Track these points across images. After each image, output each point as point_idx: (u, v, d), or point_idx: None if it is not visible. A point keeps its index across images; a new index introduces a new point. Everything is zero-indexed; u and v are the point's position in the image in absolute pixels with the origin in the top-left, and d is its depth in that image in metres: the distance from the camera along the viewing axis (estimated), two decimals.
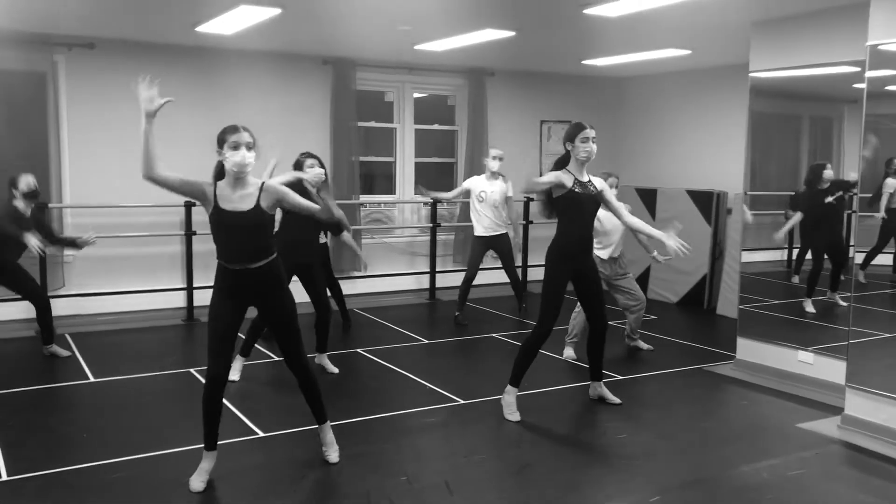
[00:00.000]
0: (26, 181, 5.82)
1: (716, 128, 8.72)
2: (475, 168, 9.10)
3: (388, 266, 8.82)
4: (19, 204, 5.80)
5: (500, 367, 6.15)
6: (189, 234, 7.48)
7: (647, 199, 8.85)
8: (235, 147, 3.63)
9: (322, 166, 5.53)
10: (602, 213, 5.17)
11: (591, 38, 6.93)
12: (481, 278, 9.13)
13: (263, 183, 3.74)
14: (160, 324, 7.28)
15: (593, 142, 4.65)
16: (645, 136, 9.74)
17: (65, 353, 6.05)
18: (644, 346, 6.50)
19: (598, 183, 4.78)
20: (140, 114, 3.54)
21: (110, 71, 7.32)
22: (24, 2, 5.59)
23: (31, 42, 6.85)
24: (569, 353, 6.22)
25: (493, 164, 7.33)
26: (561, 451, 4.38)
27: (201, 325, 7.33)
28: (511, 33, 6.55)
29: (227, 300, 3.71)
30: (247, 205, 3.65)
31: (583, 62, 8.44)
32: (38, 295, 6.03)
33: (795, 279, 6.26)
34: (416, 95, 9.12)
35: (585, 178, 4.71)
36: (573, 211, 4.66)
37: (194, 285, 7.59)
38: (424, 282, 8.97)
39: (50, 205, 6.98)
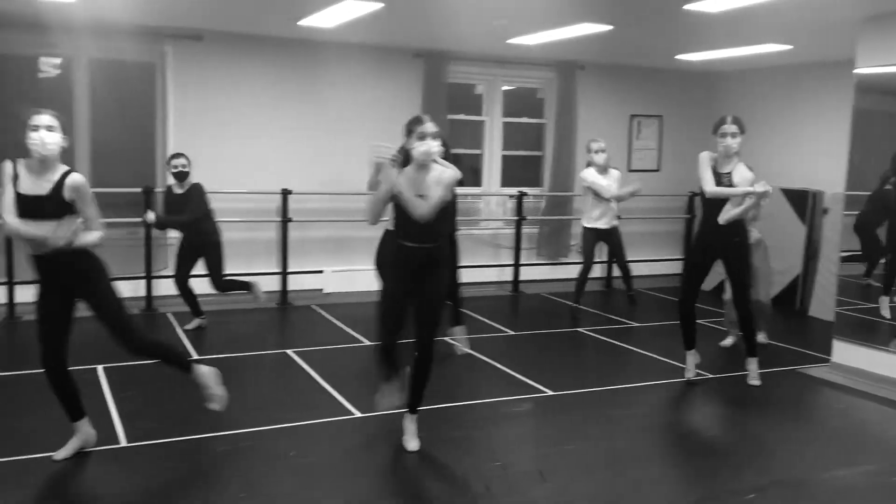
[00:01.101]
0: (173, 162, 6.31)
1: (812, 125, 8.50)
2: (562, 162, 9.12)
3: (472, 257, 8.90)
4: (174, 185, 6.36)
5: (586, 360, 6.22)
6: (285, 220, 7.75)
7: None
8: (422, 137, 3.81)
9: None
10: None
11: (687, 33, 6.86)
12: (564, 273, 9.20)
13: (446, 172, 3.93)
14: (256, 306, 7.55)
15: (732, 137, 5.09)
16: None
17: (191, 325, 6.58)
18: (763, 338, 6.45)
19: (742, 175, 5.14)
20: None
21: (216, 62, 7.63)
22: None
23: (142, 33, 7.19)
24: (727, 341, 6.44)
25: (599, 158, 7.21)
26: (653, 445, 4.40)
27: (294, 309, 7.59)
28: (608, 27, 6.54)
29: (399, 282, 3.99)
30: (425, 191, 3.88)
31: (676, 57, 8.35)
32: (214, 279, 6.48)
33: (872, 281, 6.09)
34: (504, 88, 9.17)
35: (726, 170, 5.14)
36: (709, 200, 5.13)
37: (288, 270, 7.85)
38: (507, 274, 9.04)
39: (156, 189, 7.33)
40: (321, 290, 8.26)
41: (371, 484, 3.78)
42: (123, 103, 7.53)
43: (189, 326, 6.52)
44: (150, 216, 6.38)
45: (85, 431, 3.92)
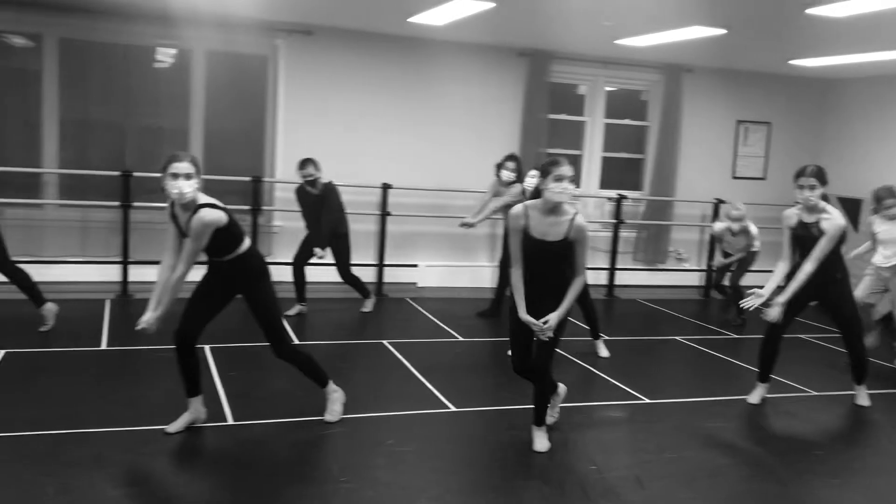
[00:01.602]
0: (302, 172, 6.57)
1: None
2: (664, 166, 8.95)
3: None
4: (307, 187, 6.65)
5: (684, 369, 6.11)
6: (384, 214, 7.89)
7: (851, 210, 8.35)
8: (559, 179, 3.77)
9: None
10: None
11: (807, 38, 6.62)
12: (661, 279, 9.05)
13: (576, 216, 3.87)
14: (353, 295, 7.72)
15: (810, 189, 4.69)
16: (852, 141, 9.17)
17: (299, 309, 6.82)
18: None
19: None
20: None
21: (325, 56, 7.82)
22: None
23: (256, 27, 7.44)
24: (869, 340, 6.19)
25: (734, 226, 7.28)
26: (757, 459, 4.28)
27: (389, 301, 7.72)
28: (721, 31, 6.38)
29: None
30: (555, 235, 3.84)
31: (790, 62, 8.07)
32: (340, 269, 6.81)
33: None
34: (607, 89, 9.07)
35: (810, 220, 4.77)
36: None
37: (385, 262, 7.99)
38: (603, 278, 8.93)
39: (264, 179, 7.57)
40: (415, 283, 8.37)
41: (468, 477, 3.82)
42: (236, 94, 7.82)
43: (290, 312, 6.71)
44: (319, 252, 6.61)
45: (196, 408, 4.11)
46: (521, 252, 3.94)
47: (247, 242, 4.02)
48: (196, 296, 4.04)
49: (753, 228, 7.38)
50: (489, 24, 6.85)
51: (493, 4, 5.79)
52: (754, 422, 4.85)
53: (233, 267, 3.98)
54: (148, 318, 3.80)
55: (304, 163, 6.55)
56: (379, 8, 6.57)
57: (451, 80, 8.23)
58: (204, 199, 3.80)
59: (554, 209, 3.84)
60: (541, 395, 4.15)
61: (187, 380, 4.06)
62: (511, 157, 6.84)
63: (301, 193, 6.72)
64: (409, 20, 6.80)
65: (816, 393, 5.44)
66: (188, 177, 3.72)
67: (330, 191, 6.60)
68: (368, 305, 7.09)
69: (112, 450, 3.79)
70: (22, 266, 5.73)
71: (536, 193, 4.04)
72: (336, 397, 4.41)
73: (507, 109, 8.50)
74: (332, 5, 6.64)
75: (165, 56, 7.92)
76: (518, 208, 3.95)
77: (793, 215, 4.85)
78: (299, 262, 6.77)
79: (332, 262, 6.80)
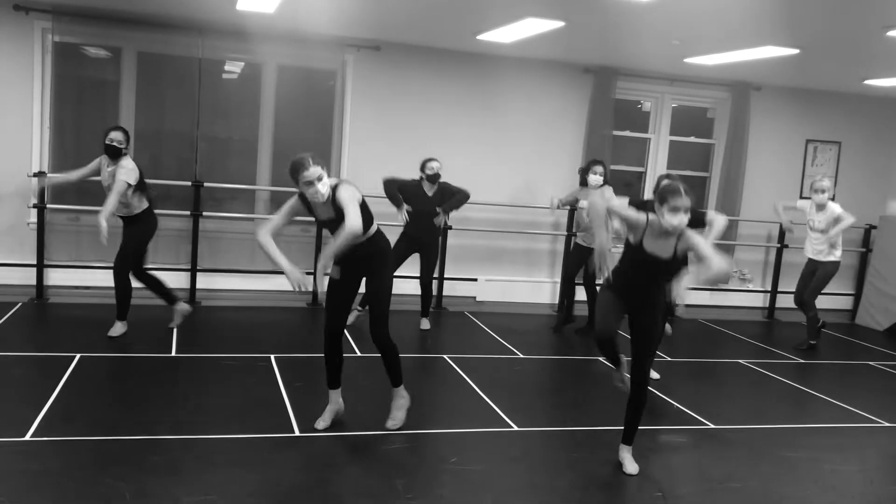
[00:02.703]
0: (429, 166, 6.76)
1: None
2: (730, 184, 8.81)
3: None
4: (424, 184, 6.78)
5: (748, 394, 5.99)
6: (446, 228, 7.92)
7: None
8: (674, 211, 3.75)
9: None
10: None
11: (884, 59, 6.46)
12: (723, 299, 8.90)
13: (681, 236, 3.89)
14: (411, 308, 7.78)
15: None
16: None
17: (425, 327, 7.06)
18: None
19: None
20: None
21: (392, 71, 7.92)
22: (325, 8, 6.16)
23: (326, 42, 7.57)
24: None
25: (819, 198, 7.03)
26: (825, 488, 4.18)
27: (448, 314, 7.76)
28: (794, 51, 6.28)
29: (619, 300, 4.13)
30: (665, 253, 3.91)
31: (865, 82, 7.88)
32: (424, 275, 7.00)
33: None
34: (673, 105, 8.98)
35: None
36: None
37: (445, 276, 8.03)
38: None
39: None
40: (474, 297, 8.39)
41: (532, 499, 3.82)
42: (305, 107, 7.97)
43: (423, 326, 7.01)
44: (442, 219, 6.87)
45: (336, 401, 4.42)
46: (630, 260, 3.98)
47: (376, 224, 4.25)
48: (332, 290, 4.29)
49: (839, 209, 6.96)
50: (556, 42, 6.86)
51: (562, 23, 5.80)
52: (825, 452, 4.73)
53: (370, 246, 4.19)
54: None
55: (431, 159, 6.75)
56: (447, 25, 6.64)
57: (516, 95, 8.25)
58: (333, 180, 4.06)
59: (667, 235, 3.88)
60: (637, 407, 4.16)
61: (331, 371, 4.38)
62: (597, 162, 6.83)
63: (416, 189, 6.77)
64: (477, 38, 6.85)
65: (889, 424, 5.29)
66: (320, 178, 3.94)
67: (449, 187, 6.85)
68: (426, 323, 7.11)
69: (184, 457, 3.90)
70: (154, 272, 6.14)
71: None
72: (402, 403, 4.52)
73: (570, 125, 8.48)
74: (402, 22, 6.73)
75: (237, 69, 8.12)
76: (642, 217, 3.91)
77: None
78: (427, 278, 6.97)
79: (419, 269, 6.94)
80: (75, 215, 7.30)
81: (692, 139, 9.18)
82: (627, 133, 8.90)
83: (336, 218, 4.05)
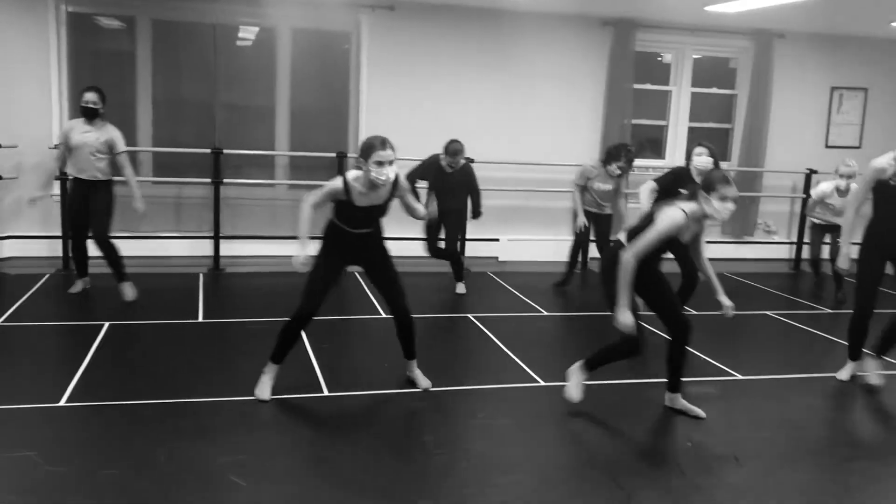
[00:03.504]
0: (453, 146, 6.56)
1: None
2: (754, 135, 8.67)
3: None
4: (443, 161, 6.58)
5: (776, 345, 5.95)
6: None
7: None
8: (724, 199, 3.83)
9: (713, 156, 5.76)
10: None
11: None
12: (749, 252, 8.81)
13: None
14: (435, 270, 7.78)
15: None
16: None
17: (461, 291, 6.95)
18: None
19: None
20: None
21: (408, 31, 7.83)
22: None
23: (339, 3, 7.49)
24: None
25: (842, 183, 6.93)
26: (857, 440, 4.16)
27: (471, 276, 7.74)
28: None
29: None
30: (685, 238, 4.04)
31: (893, 24, 7.67)
32: (448, 243, 6.85)
33: None
34: (694, 56, 8.81)
35: None
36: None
37: (467, 237, 8.01)
38: None
39: (349, 155, 7.65)
40: (497, 257, 8.36)
41: (562, 451, 3.83)
42: (320, 70, 7.92)
43: (461, 291, 6.90)
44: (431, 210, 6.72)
45: (275, 375, 4.26)
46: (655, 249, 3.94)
47: None
48: (320, 274, 4.17)
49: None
50: None
51: None
52: (852, 399, 4.70)
53: (379, 235, 4.28)
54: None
55: (453, 141, 6.53)
56: None
57: (534, 51, 8.13)
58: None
59: (702, 220, 3.93)
60: (682, 351, 4.21)
61: (286, 349, 4.23)
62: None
63: (438, 172, 6.62)
64: None
65: None
66: (391, 163, 3.93)
67: (471, 170, 6.77)
68: (462, 288, 7.00)
69: (215, 420, 3.94)
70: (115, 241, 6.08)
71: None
72: (415, 372, 4.53)
73: (590, 80, 8.36)
74: None
75: (251, 34, 8.06)
76: (683, 219, 3.86)
77: (890, 166, 4.51)
78: (432, 243, 6.84)
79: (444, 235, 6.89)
80: None
81: (714, 90, 9.02)
82: (648, 86, 8.76)
83: (382, 205, 4.12)
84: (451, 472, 3.49)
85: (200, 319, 5.74)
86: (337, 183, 4.05)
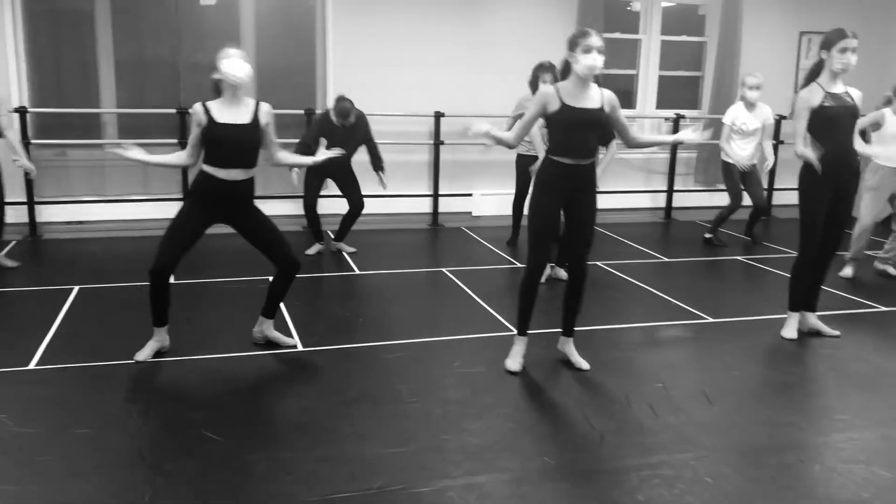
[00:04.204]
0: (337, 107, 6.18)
1: None
2: (724, 83, 8.66)
3: (622, 183, 8.71)
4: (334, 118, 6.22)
5: (748, 288, 6.02)
6: (438, 143, 7.84)
7: None
8: (587, 51, 3.73)
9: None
10: None
11: None
12: (721, 199, 8.85)
13: (605, 92, 3.88)
14: (409, 226, 7.77)
15: (853, 53, 4.30)
16: None
17: (351, 249, 6.66)
18: (893, 271, 6.22)
19: (856, 94, 4.46)
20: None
21: None
22: None
23: None
24: (847, 271, 6.13)
25: (752, 95, 6.93)
26: (824, 375, 4.24)
27: (444, 231, 7.75)
28: None
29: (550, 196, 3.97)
30: (593, 104, 3.83)
31: None
32: (358, 199, 6.51)
33: None
34: (664, 5, 8.76)
35: (840, 90, 4.39)
36: (827, 127, 4.39)
37: (440, 192, 7.99)
38: (660, 201, 8.81)
39: (317, 111, 7.56)
40: (470, 212, 8.35)
41: (537, 395, 3.87)
42: (285, 27, 7.78)
43: (310, 252, 6.50)
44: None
45: (162, 337, 4.19)
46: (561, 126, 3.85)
47: None
48: (184, 226, 4.03)
49: (768, 111, 7.07)
50: None
51: None
52: (821, 340, 4.77)
53: (250, 189, 4.08)
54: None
55: (344, 104, 6.15)
56: None
57: (502, 2, 8.03)
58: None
59: (584, 82, 3.80)
60: (580, 294, 4.16)
61: (162, 310, 4.11)
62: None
63: (325, 124, 6.20)
64: None
65: (885, 308, 5.34)
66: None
67: (365, 120, 6.41)
68: (314, 249, 6.58)
69: (189, 377, 3.93)
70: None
71: (566, 69, 3.89)
72: (270, 332, 4.38)
73: (559, 30, 8.24)
74: None
75: None
76: (549, 90, 3.84)
77: (815, 91, 4.39)
78: (311, 198, 6.44)
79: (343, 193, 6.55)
80: (62, 150, 7.22)
81: (684, 38, 8.99)
82: (618, 35, 8.70)
83: (248, 135, 3.97)
84: (426, 419, 3.51)
85: (173, 281, 5.64)
86: (195, 108, 3.94)
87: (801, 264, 4.65)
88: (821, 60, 4.42)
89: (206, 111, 3.92)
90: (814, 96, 4.39)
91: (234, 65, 3.85)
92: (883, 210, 6.30)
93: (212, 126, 3.89)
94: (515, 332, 4.21)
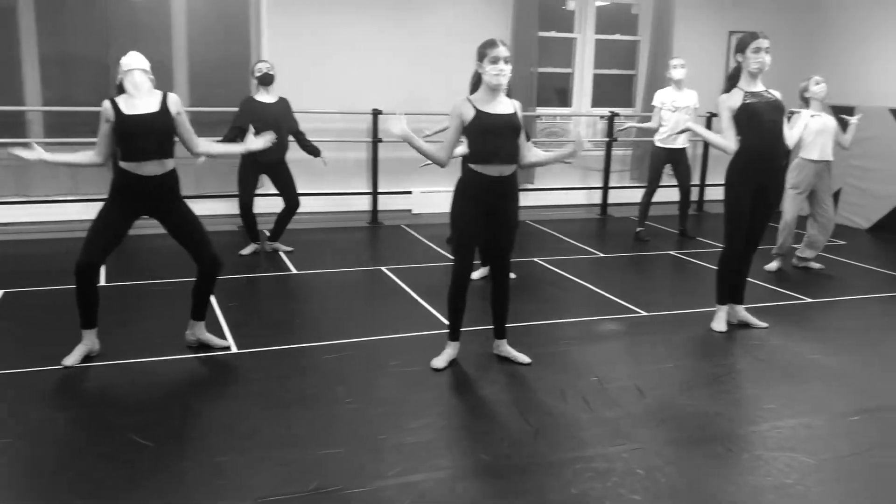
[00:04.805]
0: (258, 66, 6.12)
1: None
2: (657, 81, 8.82)
3: (560, 180, 8.82)
4: (260, 94, 6.09)
5: (680, 282, 6.16)
6: (376, 141, 7.81)
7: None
8: (495, 61, 3.79)
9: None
10: None
11: None
12: (656, 195, 9.02)
13: (515, 102, 4.01)
14: (348, 225, 7.73)
15: (766, 52, 4.45)
16: (845, 48, 9.05)
17: (288, 248, 6.56)
18: (816, 265, 6.43)
19: (776, 94, 4.63)
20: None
21: None
22: None
23: None
24: (772, 265, 6.32)
25: (677, 73, 7.13)
26: (752, 366, 4.37)
27: (384, 229, 7.73)
28: None
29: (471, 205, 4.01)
30: (507, 110, 3.92)
31: None
32: (294, 196, 6.39)
33: None
34: (598, 4, 8.89)
35: (759, 88, 4.54)
36: (749, 124, 4.51)
37: (379, 190, 7.96)
38: (596, 197, 8.94)
39: None
40: (410, 210, 8.35)
41: (473, 393, 3.89)
42: (219, 23, 7.64)
43: (245, 252, 6.42)
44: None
45: (91, 340, 4.10)
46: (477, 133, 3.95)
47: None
48: (108, 222, 3.96)
49: (695, 95, 7.34)
50: None
51: None
52: (749, 332, 4.91)
53: (171, 180, 4.02)
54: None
55: (259, 60, 6.16)
56: None
57: (439, 0, 8.05)
58: None
59: (494, 91, 3.89)
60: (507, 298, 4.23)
61: (91, 311, 4.02)
62: None
63: (251, 105, 6.08)
64: None
65: (813, 300, 5.52)
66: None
67: (287, 104, 6.26)
68: (249, 249, 6.47)
69: (119, 381, 3.84)
70: None
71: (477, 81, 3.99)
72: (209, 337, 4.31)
73: (496, 28, 8.30)
74: None
75: None
76: (461, 102, 3.99)
77: (735, 94, 4.50)
78: (247, 198, 6.24)
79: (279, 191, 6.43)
80: None
81: (618, 37, 9.14)
82: (553, 34, 8.80)
83: (157, 124, 3.91)
84: (362, 419, 3.50)
85: (104, 283, 5.54)
86: (104, 104, 3.89)
87: (728, 257, 4.78)
88: (738, 65, 4.56)
89: (114, 106, 3.86)
90: (733, 98, 4.53)
91: (132, 59, 3.89)
92: (804, 206, 6.51)
93: (121, 120, 3.85)
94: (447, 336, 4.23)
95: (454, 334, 4.19)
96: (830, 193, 6.28)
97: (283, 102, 6.23)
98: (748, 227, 4.68)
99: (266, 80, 6.17)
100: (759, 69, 4.48)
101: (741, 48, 4.49)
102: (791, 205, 6.20)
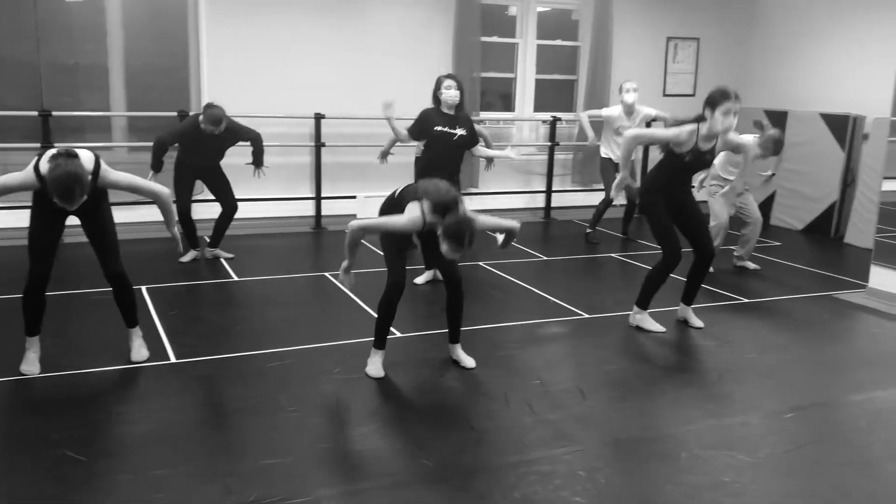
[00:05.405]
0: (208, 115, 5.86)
1: (858, 47, 8.26)
2: (597, 85, 8.96)
3: (502, 184, 8.86)
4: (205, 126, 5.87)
5: (622, 284, 6.24)
6: (318, 145, 7.75)
7: (777, 122, 8.51)
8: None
9: (460, 89, 5.54)
10: None
11: None
12: (598, 199, 9.16)
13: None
14: (291, 230, 7.65)
15: (735, 115, 4.46)
16: (777, 54, 9.31)
17: (228, 255, 6.45)
18: (751, 265, 6.56)
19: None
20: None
21: None
22: None
23: None
24: None
25: (629, 97, 7.28)
26: (690, 367, 4.46)
27: (328, 234, 7.67)
28: None
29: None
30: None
31: None
32: (231, 200, 6.33)
33: None
34: (539, 10, 8.98)
35: (707, 147, 4.61)
36: (670, 171, 4.72)
37: (322, 195, 7.89)
38: (539, 201, 9.02)
39: (190, 113, 7.32)
40: (354, 215, 8.29)
41: (417, 397, 3.89)
42: (156, 25, 7.50)
43: (185, 259, 6.25)
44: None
45: (38, 347, 4.03)
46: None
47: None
48: (41, 231, 3.88)
49: (652, 109, 7.57)
50: None
51: None
52: (688, 333, 5.01)
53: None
54: None
55: (215, 111, 5.84)
56: None
57: (380, 4, 8.02)
58: None
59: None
60: (461, 303, 4.27)
61: (40, 319, 3.99)
62: None
63: (193, 130, 5.93)
64: None
65: (749, 300, 5.66)
66: None
67: (237, 128, 6.15)
68: (189, 256, 6.32)
69: (52, 393, 3.73)
70: None
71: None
72: (139, 341, 4.24)
73: (438, 33, 8.35)
74: None
75: None
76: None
77: (689, 142, 4.53)
78: (184, 205, 6.16)
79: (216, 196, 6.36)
80: None
81: (559, 42, 9.24)
82: (496, 39, 8.86)
83: None
84: (305, 428, 3.46)
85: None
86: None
87: (668, 263, 4.86)
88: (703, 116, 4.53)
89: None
90: (685, 145, 4.55)
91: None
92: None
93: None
94: (372, 344, 4.16)
95: (380, 344, 4.16)
96: (749, 191, 6.46)
97: (229, 131, 6.02)
98: (690, 238, 4.87)
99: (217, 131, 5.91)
100: (726, 131, 4.54)
101: (711, 105, 4.46)
102: (720, 207, 6.29)
